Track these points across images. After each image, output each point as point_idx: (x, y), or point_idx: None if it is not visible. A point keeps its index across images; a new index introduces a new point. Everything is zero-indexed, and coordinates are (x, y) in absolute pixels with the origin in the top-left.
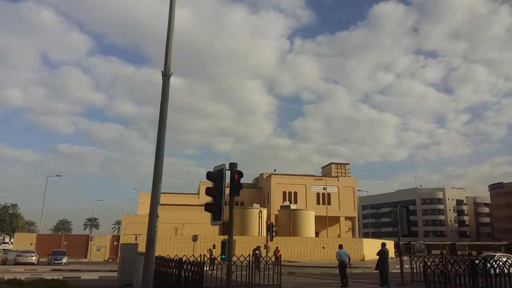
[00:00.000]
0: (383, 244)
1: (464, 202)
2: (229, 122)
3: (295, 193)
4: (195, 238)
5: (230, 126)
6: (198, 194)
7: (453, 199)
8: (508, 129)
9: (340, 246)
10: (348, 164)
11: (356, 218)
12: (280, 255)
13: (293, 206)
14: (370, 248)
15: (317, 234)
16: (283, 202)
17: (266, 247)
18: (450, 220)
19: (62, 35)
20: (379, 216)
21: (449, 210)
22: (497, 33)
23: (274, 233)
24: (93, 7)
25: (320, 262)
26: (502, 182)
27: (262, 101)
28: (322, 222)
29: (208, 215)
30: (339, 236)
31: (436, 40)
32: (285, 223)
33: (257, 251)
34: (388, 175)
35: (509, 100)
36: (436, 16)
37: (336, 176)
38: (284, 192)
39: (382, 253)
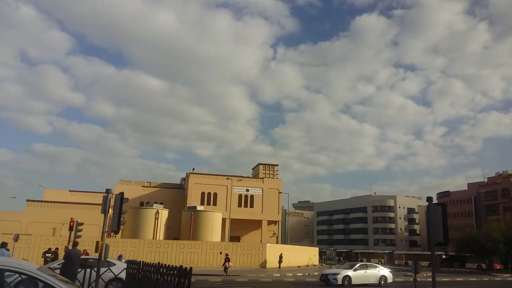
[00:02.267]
0: (75, 243)
1: (416, 210)
2: (210, 127)
3: (215, 194)
4: (16, 238)
5: (212, 131)
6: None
7: (404, 207)
8: (483, 143)
9: (3, 245)
10: (277, 165)
11: (280, 222)
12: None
13: (210, 208)
14: (277, 254)
15: (238, 239)
16: (201, 204)
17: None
18: (401, 229)
19: (42, 33)
20: (332, 223)
21: (400, 218)
22: (475, 49)
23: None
24: (74, 6)
25: (205, 269)
26: (449, 191)
27: (244, 108)
28: (245, 226)
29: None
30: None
31: (416, 54)
32: (188, 226)
33: (48, 254)
34: (367, 184)
35: (484, 115)
36: (416, 30)
37: (261, 178)
38: (203, 193)
39: (69, 256)
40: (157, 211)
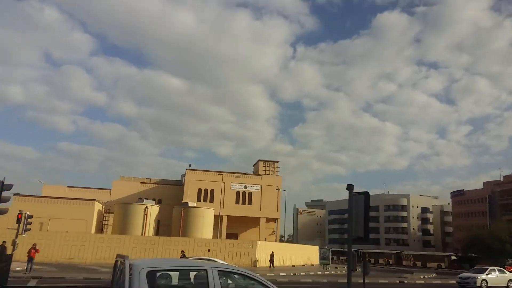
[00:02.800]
0: None
1: (430, 210)
2: (230, 126)
3: (212, 190)
4: None
5: (231, 130)
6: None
7: (417, 207)
8: (509, 142)
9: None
10: (278, 161)
11: (279, 220)
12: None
13: (207, 205)
14: (269, 253)
15: (236, 236)
16: (198, 200)
17: (14, 242)
18: (413, 228)
19: (66, 34)
20: (343, 222)
21: (413, 217)
22: (501, 47)
23: (26, 227)
24: (96, 7)
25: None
26: (463, 190)
27: (264, 106)
28: (243, 223)
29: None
30: (266, 239)
31: (439, 51)
32: (178, 222)
33: None
34: (387, 184)
35: (511, 113)
36: (440, 27)
37: (260, 174)
38: (200, 190)
39: None
40: (146, 207)
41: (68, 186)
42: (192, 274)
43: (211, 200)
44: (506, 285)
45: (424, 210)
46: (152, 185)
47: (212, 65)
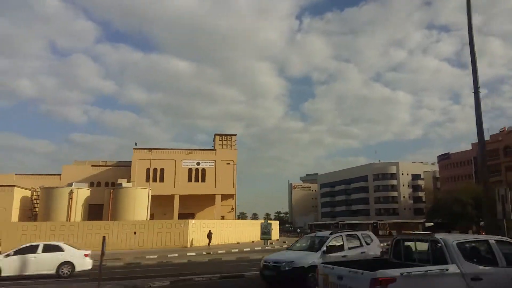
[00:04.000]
0: None
1: (422, 176)
2: (240, 106)
3: (162, 169)
4: None
5: (241, 110)
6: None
7: (408, 174)
8: None
9: None
10: (235, 135)
11: (235, 196)
12: None
13: (158, 185)
14: (206, 231)
15: (193, 216)
16: (147, 181)
17: None
18: (404, 197)
19: (69, 23)
20: (334, 194)
21: (403, 185)
22: None
23: None
24: None
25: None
26: (449, 153)
27: (273, 84)
28: (198, 202)
29: None
30: (222, 217)
31: (450, 13)
32: (108, 205)
33: None
34: (402, 154)
35: None
36: None
37: (214, 149)
38: (148, 169)
39: None
40: (71, 190)
41: (16, 174)
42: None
43: (161, 180)
44: None
45: (415, 177)
46: (104, 168)
47: (217, 44)
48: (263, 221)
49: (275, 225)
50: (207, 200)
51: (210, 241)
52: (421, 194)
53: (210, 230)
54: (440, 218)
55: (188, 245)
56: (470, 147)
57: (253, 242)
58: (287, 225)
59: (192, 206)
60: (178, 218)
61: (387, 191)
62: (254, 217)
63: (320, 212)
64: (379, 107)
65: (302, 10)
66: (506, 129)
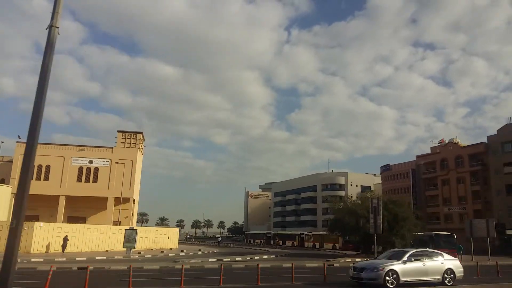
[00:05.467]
0: None
1: (372, 188)
2: (226, 114)
3: (48, 166)
4: None
5: (227, 118)
6: None
7: (357, 185)
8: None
9: None
10: (141, 133)
11: (132, 199)
12: None
13: (42, 184)
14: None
15: (84, 220)
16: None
17: None
18: None
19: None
20: (285, 204)
21: (351, 197)
22: (497, 25)
23: None
24: None
25: None
26: (389, 164)
27: (259, 93)
28: (92, 205)
29: None
30: (117, 223)
31: (435, 31)
32: None
33: None
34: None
35: (508, 94)
36: (436, 6)
37: (111, 147)
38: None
39: None
40: None
41: None
42: None
43: (46, 178)
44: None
45: (365, 188)
46: None
47: (206, 52)
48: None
49: (174, 233)
50: (102, 203)
51: (64, 247)
52: None
53: (66, 235)
54: (337, 231)
55: (44, 250)
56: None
57: (107, 251)
58: (237, 235)
59: (84, 208)
60: (67, 222)
61: (335, 202)
62: (162, 223)
63: (272, 222)
64: (364, 121)
65: (291, 22)
66: (443, 141)
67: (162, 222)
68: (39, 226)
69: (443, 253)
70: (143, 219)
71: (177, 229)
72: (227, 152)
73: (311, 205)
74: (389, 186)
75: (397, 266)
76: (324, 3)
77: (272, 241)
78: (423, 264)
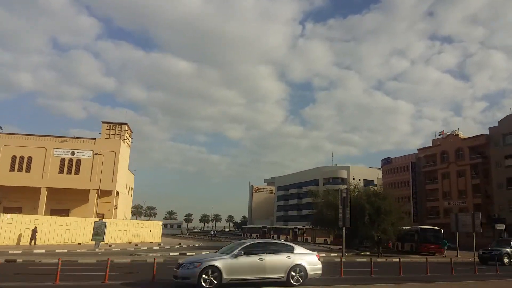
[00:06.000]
0: None
1: (375, 182)
2: (240, 108)
3: (30, 158)
4: None
5: (241, 113)
6: None
7: (359, 179)
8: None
9: None
10: (126, 124)
11: (116, 192)
12: None
13: (23, 175)
14: (30, 228)
15: (67, 212)
16: (11, 170)
17: None
18: None
19: (71, 19)
20: (288, 198)
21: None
22: None
23: None
24: None
25: None
26: (390, 157)
27: (273, 88)
28: (75, 197)
29: None
30: (104, 216)
31: (452, 25)
32: None
33: None
34: None
35: None
36: None
37: (93, 138)
38: (14, 157)
39: None
40: None
41: None
42: None
43: (28, 170)
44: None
45: (368, 183)
46: None
47: (220, 46)
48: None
49: (156, 226)
50: (86, 195)
51: (34, 239)
52: None
53: (35, 227)
54: (319, 225)
55: (12, 242)
56: None
57: (79, 244)
58: (239, 229)
59: (67, 201)
60: (50, 214)
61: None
62: (170, 216)
63: (275, 216)
64: (380, 116)
65: (306, 15)
66: (443, 133)
67: (170, 216)
68: (5, 217)
69: (296, 247)
70: (150, 212)
71: (160, 222)
72: (241, 147)
73: (312, 200)
74: (390, 180)
75: (221, 262)
76: None
77: (267, 235)
78: (261, 259)
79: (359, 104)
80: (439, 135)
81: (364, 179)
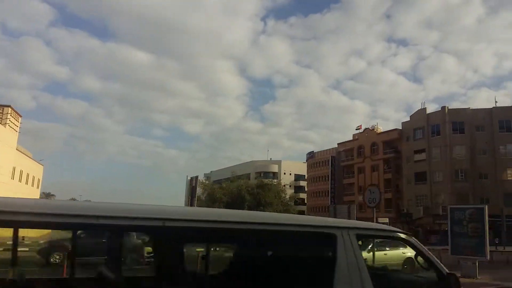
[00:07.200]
0: None
1: (306, 177)
2: (199, 103)
3: None
4: None
5: (200, 107)
6: None
7: (290, 173)
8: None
9: None
10: (9, 106)
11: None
12: None
13: None
14: None
15: None
16: None
17: None
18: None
19: (22, 3)
20: None
21: (284, 186)
22: (469, 24)
23: None
24: None
25: None
26: (313, 151)
27: (234, 83)
28: None
29: None
30: None
31: (409, 28)
32: None
33: None
34: None
35: (475, 91)
36: (410, 3)
37: None
38: None
39: None
40: None
41: None
42: None
43: None
44: None
45: (298, 177)
46: None
47: (180, 39)
48: None
49: None
50: None
51: None
52: (303, 195)
53: None
54: None
55: None
56: None
57: None
58: None
59: None
60: None
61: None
62: None
63: None
64: (337, 114)
65: (268, 12)
66: (361, 127)
67: None
68: None
69: None
70: None
71: None
72: (200, 141)
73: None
74: (313, 174)
75: None
76: None
77: None
78: None
79: (317, 103)
80: (356, 129)
81: (295, 174)
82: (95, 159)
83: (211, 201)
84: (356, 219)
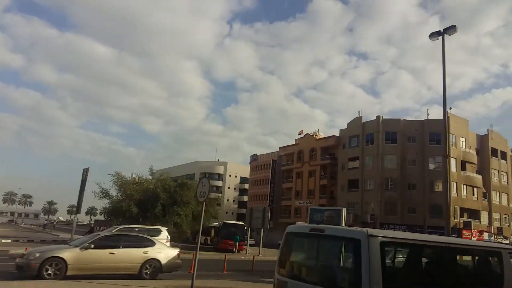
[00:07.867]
0: None
1: (249, 180)
2: (160, 102)
3: None
4: None
5: (161, 106)
6: None
7: (236, 175)
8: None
9: None
10: None
11: None
12: None
13: None
14: None
15: None
16: None
17: None
18: (228, 200)
19: None
20: None
21: (228, 188)
22: (425, 43)
23: None
24: None
25: None
26: (256, 154)
27: (197, 84)
28: None
29: None
30: None
31: (369, 42)
32: None
33: None
34: None
35: (428, 107)
36: (371, 18)
37: None
38: None
39: None
40: None
41: None
42: None
43: None
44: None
45: (243, 180)
46: None
47: (143, 35)
48: None
49: None
50: None
51: None
52: (246, 198)
53: None
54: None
55: None
56: None
57: None
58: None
59: None
60: None
61: (211, 192)
62: (50, 207)
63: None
64: (297, 122)
65: (234, 15)
66: (302, 132)
67: (50, 206)
68: None
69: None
70: (26, 201)
71: None
72: (159, 141)
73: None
74: (256, 177)
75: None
76: (267, 0)
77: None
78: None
79: (279, 109)
80: (298, 134)
81: (240, 176)
82: (45, 153)
83: (123, 197)
84: (275, 223)
